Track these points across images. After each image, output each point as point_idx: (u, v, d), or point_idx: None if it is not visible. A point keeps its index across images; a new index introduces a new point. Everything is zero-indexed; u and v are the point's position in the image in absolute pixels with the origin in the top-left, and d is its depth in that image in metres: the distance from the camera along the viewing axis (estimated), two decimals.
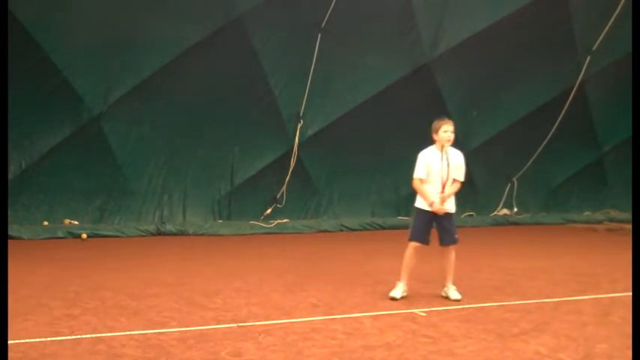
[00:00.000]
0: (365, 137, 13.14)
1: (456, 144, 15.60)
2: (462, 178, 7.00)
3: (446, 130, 6.89)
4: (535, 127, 14.54)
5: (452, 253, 7.08)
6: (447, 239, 7.01)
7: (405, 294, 6.95)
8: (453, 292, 7.00)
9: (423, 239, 6.97)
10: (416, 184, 6.96)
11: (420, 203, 7.00)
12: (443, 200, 6.84)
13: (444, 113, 13.72)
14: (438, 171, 6.88)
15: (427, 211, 6.92)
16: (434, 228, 7.03)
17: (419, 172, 6.94)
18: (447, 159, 6.90)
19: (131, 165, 11.87)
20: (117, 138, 11.60)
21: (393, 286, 6.96)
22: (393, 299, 6.82)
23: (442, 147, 6.92)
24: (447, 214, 6.95)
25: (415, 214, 7.07)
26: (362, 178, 13.68)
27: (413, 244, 6.99)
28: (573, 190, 15.86)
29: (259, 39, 11.80)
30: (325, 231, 12.82)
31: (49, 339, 5.17)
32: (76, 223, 11.41)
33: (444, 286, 7.09)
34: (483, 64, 13.41)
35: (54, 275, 7.90)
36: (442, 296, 7.03)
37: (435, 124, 6.99)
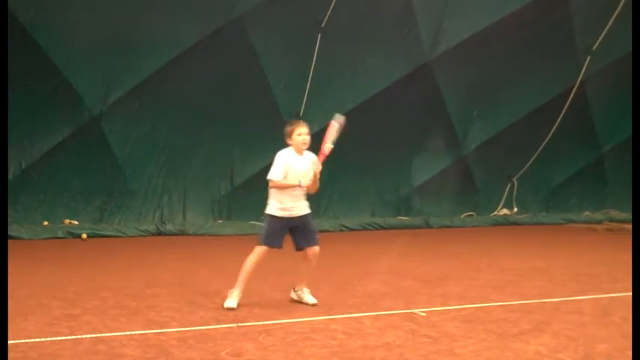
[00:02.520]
0: (365, 137, 13.11)
1: (457, 144, 15.59)
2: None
3: (300, 134, 6.56)
4: (535, 127, 14.52)
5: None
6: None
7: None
8: (308, 296, 6.56)
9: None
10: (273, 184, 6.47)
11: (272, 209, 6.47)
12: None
13: (444, 113, 13.82)
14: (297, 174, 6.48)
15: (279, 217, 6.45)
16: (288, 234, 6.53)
17: (276, 174, 6.47)
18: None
19: (131, 165, 11.87)
20: (117, 138, 11.59)
21: (392, 286, 6.93)
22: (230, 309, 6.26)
23: (300, 151, 6.57)
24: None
25: (269, 220, 6.48)
26: (362, 178, 13.65)
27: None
28: (573, 190, 15.83)
29: (259, 39, 11.79)
30: (325, 231, 12.80)
31: (49, 339, 5.17)
32: (76, 223, 11.41)
33: (298, 290, 6.61)
34: (483, 64, 13.40)
35: (54, 275, 7.91)
36: (294, 299, 6.61)
37: (288, 128, 6.61)
